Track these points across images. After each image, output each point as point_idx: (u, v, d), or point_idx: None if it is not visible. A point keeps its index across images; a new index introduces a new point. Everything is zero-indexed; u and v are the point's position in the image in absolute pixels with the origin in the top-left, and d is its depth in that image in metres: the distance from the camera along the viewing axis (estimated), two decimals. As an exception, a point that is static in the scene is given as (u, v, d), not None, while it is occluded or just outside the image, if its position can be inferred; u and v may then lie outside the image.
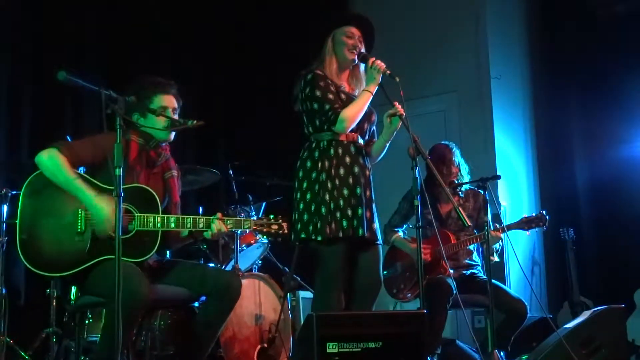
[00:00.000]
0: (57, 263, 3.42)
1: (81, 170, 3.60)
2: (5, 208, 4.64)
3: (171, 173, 3.79)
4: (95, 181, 3.50)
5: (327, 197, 3.71)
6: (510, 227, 4.69)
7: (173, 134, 3.73)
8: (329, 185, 3.73)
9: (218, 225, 3.57)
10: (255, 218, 3.83)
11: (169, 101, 3.73)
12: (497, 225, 4.72)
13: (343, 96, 3.81)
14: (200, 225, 3.57)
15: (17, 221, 3.42)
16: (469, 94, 6.94)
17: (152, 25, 6.40)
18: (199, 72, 6.84)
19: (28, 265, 3.38)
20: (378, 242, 3.87)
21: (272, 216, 3.72)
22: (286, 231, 3.71)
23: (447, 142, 5.03)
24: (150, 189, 3.56)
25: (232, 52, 7.05)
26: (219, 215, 3.62)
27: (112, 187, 3.19)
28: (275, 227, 3.70)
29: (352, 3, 7.28)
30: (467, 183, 4.88)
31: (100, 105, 3.09)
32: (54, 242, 3.42)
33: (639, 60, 6.80)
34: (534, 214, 4.70)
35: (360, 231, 3.71)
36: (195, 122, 3.57)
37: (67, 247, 3.42)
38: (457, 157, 4.92)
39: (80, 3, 5.90)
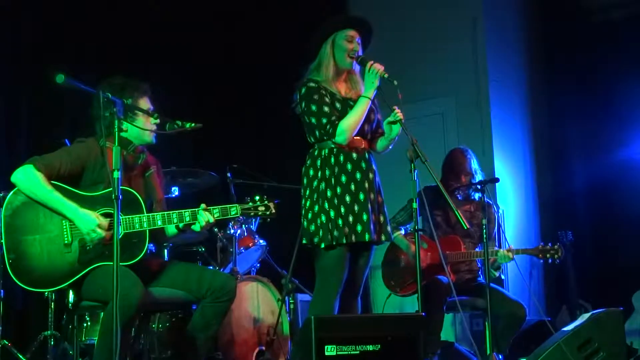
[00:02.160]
0: (50, 277, 3.41)
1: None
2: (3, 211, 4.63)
3: (150, 170, 3.78)
4: (76, 190, 3.48)
5: (327, 205, 3.73)
6: (524, 251, 4.70)
7: (154, 136, 3.71)
8: (329, 193, 3.75)
9: (205, 216, 3.55)
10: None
11: (149, 103, 3.72)
12: (512, 247, 4.70)
13: (338, 105, 3.81)
14: (187, 219, 3.54)
15: (3, 242, 3.41)
16: (466, 97, 6.93)
17: (149, 26, 6.40)
18: (196, 73, 6.84)
19: (22, 285, 3.38)
20: (389, 240, 3.94)
21: (257, 198, 3.68)
22: (274, 211, 3.68)
23: (463, 148, 5.02)
24: (133, 190, 3.53)
25: (230, 53, 7.05)
26: (203, 206, 3.58)
27: (95, 193, 3.44)
28: (262, 208, 3.67)
29: (350, 6, 7.28)
30: (465, 185, 4.87)
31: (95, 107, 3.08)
32: (44, 257, 3.40)
33: (636, 63, 6.80)
34: (550, 244, 4.68)
35: (367, 236, 3.72)
36: (193, 125, 3.57)
37: (57, 260, 3.41)
38: (473, 164, 4.90)
39: (78, 3, 5.90)
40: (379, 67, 3.75)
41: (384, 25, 7.12)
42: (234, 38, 7.07)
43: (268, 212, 3.67)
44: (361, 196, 3.75)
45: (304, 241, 3.80)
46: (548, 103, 7.38)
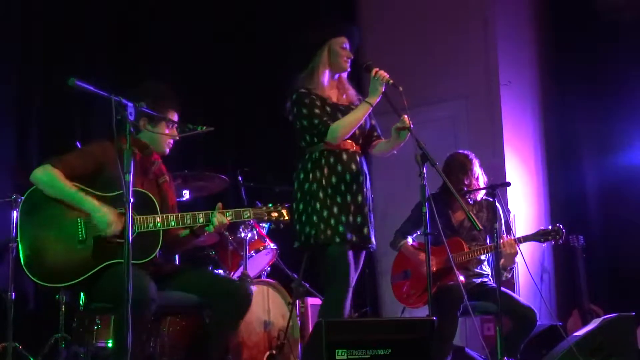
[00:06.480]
0: (63, 273, 3.42)
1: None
2: (15, 214, 4.67)
3: (164, 178, 3.84)
4: (92, 190, 3.52)
5: (318, 206, 3.80)
6: (526, 238, 4.67)
7: (169, 149, 3.79)
8: (320, 194, 3.82)
9: (219, 217, 3.59)
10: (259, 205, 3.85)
11: (176, 118, 3.79)
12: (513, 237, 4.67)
13: (328, 109, 3.88)
14: (200, 220, 3.58)
15: (18, 240, 3.44)
16: (478, 100, 6.91)
17: (161, 29, 6.41)
18: (208, 77, 6.84)
19: (35, 280, 3.39)
20: (370, 246, 3.95)
21: (270, 204, 3.76)
22: (287, 217, 3.76)
23: (466, 152, 4.99)
24: (147, 192, 3.58)
25: (242, 57, 7.05)
26: (219, 206, 3.63)
27: (110, 194, 3.46)
28: (275, 214, 3.73)
29: (359, 9, 7.27)
30: (476, 190, 4.85)
31: (107, 110, 3.11)
32: (58, 253, 3.43)
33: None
34: (550, 227, 4.66)
35: (354, 238, 3.80)
36: (204, 128, 3.60)
37: (71, 256, 3.43)
38: (477, 168, 4.89)
39: (87, 5, 5.93)
40: (384, 74, 3.81)
41: (394, 27, 7.15)
42: (245, 39, 7.08)
43: (281, 218, 3.73)
44: (348, 197, 3.82)
45: (296, 244, 3.87)
46: (559, 105, 7.33)
